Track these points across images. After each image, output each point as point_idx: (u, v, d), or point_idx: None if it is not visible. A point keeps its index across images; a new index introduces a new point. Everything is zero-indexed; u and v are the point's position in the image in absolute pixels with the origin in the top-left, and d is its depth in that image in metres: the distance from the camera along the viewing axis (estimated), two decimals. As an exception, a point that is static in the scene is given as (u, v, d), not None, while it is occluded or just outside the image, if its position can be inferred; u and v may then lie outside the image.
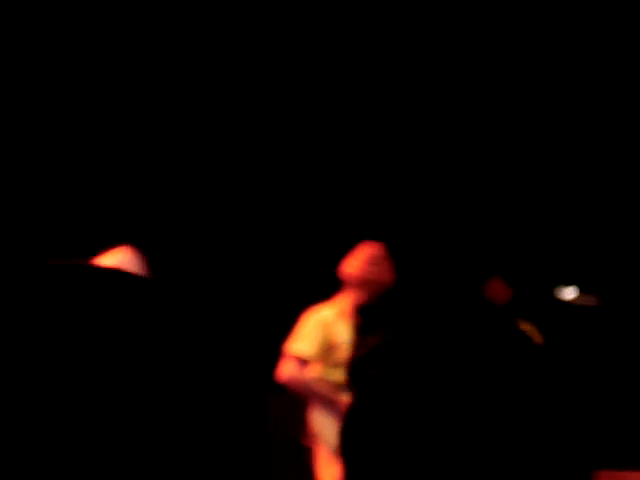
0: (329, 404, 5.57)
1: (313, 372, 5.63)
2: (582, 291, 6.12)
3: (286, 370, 5.61)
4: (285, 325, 5.79)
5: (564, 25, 6.70)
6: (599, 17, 6.63)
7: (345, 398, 5.43)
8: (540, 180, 7.46)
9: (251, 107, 7.09)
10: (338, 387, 5.57)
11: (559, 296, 5.71)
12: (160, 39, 6.71)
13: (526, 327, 6.94)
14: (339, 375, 5.60)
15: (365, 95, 7.14)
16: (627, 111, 7.15)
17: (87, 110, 6.84)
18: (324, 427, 5.57)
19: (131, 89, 6.87)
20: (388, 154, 7.25)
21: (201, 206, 6.95)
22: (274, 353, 5.77)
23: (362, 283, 5.59)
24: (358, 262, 5.66)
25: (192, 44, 6.78)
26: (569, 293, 5.84)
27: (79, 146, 6.91)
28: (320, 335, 5.63)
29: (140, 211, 7.07)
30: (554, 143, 7.37)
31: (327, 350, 5.61)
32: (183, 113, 7.03)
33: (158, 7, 6.60)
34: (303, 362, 5.62)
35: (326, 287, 5.90)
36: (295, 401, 5.67)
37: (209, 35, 6.80)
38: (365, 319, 5.51)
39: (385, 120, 7.27)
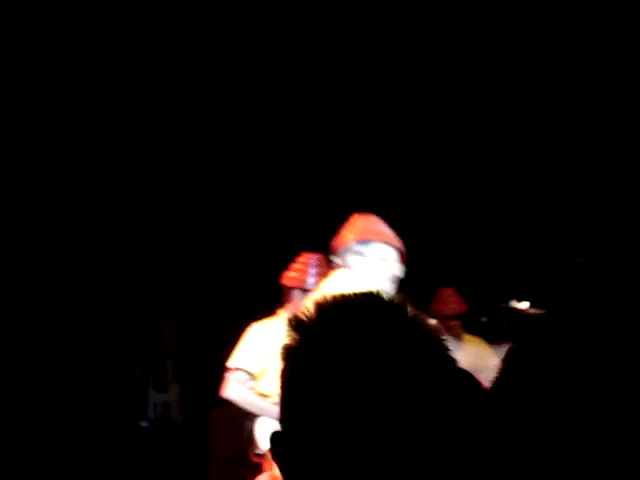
0: (274, 418, 5.44)
1: (259, 386, 5.53)
2: (533, 306, 6.14)
3: (230, 385, 5.48)
4: (228, 340, 5.68)
5: (564, 25, 6.68)
6: (599, 17, 6.62)
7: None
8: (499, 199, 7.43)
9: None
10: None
11: (513, 306, 5.66)
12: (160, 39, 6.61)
13: (474, 340, 6.82)
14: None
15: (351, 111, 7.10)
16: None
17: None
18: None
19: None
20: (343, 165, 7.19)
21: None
22: (218, 368, 5.64)
23: (304, 290, 5.50)
24: (299, 270, 5.58)
25: (192, 44, 6.69)
26: (522, 305, 5.79)
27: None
28: (264, 348, 5.52)
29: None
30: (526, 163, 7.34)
31: (273, 362, 5.50)
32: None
33: (158, 7, 6.52)
34: (247, 377, 5.52)
35: (269, 300, 5.82)
36: (238, 416, 5.52)
37: (209, 35, 6.71)
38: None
39: (336, 131, 7.21)
